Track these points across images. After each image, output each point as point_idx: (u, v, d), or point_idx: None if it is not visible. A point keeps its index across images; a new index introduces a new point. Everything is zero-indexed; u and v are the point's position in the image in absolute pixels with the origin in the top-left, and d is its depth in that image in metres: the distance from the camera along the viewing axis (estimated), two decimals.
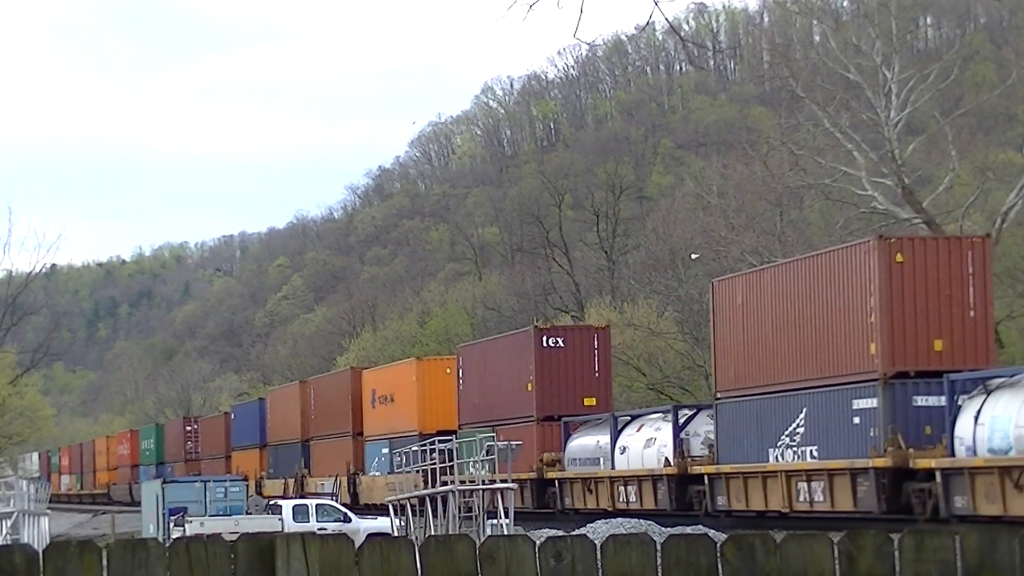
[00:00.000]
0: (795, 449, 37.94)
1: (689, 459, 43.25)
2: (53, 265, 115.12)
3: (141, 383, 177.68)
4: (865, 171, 57.36)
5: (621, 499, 46.35)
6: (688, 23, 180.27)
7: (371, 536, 10.34)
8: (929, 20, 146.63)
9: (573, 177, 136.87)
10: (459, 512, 38.73)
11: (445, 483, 40.75)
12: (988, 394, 32.46)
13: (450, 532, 35.59)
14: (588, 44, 62.74)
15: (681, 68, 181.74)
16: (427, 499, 40.86)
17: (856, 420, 35.73)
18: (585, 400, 51.55)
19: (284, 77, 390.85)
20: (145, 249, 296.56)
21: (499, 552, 6.57)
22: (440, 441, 43.94)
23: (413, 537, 24.56)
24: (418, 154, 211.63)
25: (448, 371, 59.90)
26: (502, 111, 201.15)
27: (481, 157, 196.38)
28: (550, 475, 50.38)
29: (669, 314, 74.23)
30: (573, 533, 12.29)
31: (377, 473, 64.34)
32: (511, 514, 38.05)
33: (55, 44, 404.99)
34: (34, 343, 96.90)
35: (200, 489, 50.29)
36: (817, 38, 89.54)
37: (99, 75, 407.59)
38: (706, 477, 42.06)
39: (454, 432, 53.38)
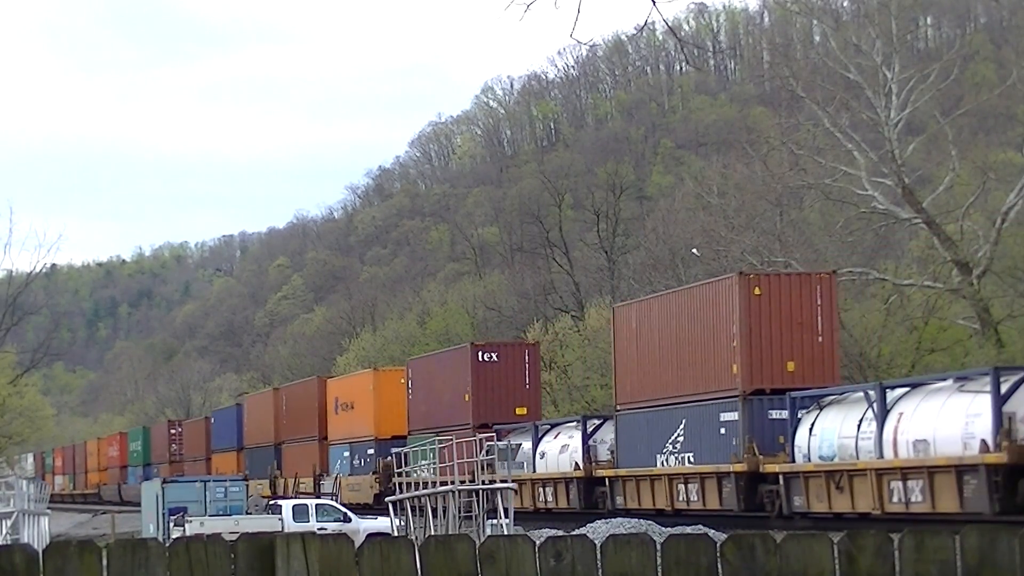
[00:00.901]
0: (676, 455, 43.63)
1: (595, 464, 48.46)
2: (53, 265, 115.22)
3: (141, 383, 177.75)
4: (865, 171, 57.38)
5: (541, 499, 51.93)
6: (688, 23, 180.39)
7: (371, 536, 10.36)
8: (929, 20, 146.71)
9: (573, 177, 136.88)
10: (459, 512, 38.75)
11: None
12: (821, 409, 38.42)
13: (450, 532, 35.61)
14: (585, 44, 62.90)
15: (681, 68, 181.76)
16: (427, 499, 40.86)
17: (722, 431, 41.39)
18: (517, 410, 56.62)
19: (284, 77, 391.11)
20: (145, 249, 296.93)
21: (499, 552, 6.57)
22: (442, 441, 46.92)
23: (413, 537, 24.57)
24: (418, 154, 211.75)
25: (401, 381, 64.41)
26: (502, 111, 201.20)
27: (481, 157, 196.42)
28: (481, 476, 52.82)
29: None
30: (573, 533, 12.29)
31: (340, 474, 68.96)
32: (511, 514, 38.08)
33: (52, 44, 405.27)
34: (34, 343, 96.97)
35: (200, 489, 50.27)
36: (817, 38, 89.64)
37: (98, 75, 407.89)
38: (607, 480, 47.66)
39: (405, 437, 60.20)
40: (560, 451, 50.71)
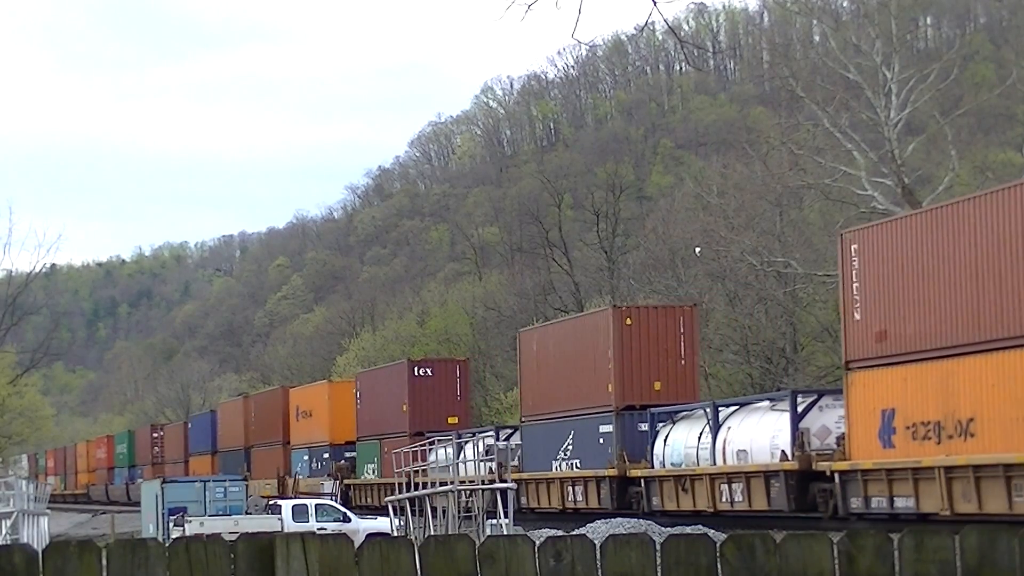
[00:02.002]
0: (567, 461, 49.61)
1: (504, 469, 52.50)
2: (53, 265, 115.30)
3: (141, 383, 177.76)
4: (865, 171, 57.36)
5: (462, 500, 56.17)
6: (688, 23, 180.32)
7: (371, 536, 10.31)
8: (929, 20, 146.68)
9: (573, 177, 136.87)
10: (459, 512, 38.81)
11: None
12: (674, 423, 45.24)
13: (450, 532, 35.62)
14: (586, 44, 63.11)
15: (681, 68, 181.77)
16: (427, 499, 40.92)
17: (600, 440, 48.00)
18: (449, 419, 62.63)
19: (284, 77, 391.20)
20: (145, 249, 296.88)
21: (499, 552, 6.57)
22: (439, 440, 48.31)
23: (413, 537, 24.59)
24: (418, 154, 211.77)
25: (352, 392, 71.21)
26: (502, 111, 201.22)
27: (481, 157, 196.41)
28: (416, 479, 58.81)
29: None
30: (573, 533, 12.29)
31: (300, 476, 75.45)
32: (511, 514, 38.16)
33: (47, 43, 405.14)
34: (34, 343, 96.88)
35: (200, 489, 50.30)
36: (817, 38, 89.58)
37: (94, 74, 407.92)
38: (520, 481, 53.04)
39: (354, 442, 69.20)
40: (478, 456, 54.63)
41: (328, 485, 69.98)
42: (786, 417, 39.56)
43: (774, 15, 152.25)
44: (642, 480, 45.78)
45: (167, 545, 6.53)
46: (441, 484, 40.37)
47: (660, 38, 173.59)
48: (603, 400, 48.28)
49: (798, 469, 38.40)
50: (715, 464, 41.95)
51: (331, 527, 46.70)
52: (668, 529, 34.59)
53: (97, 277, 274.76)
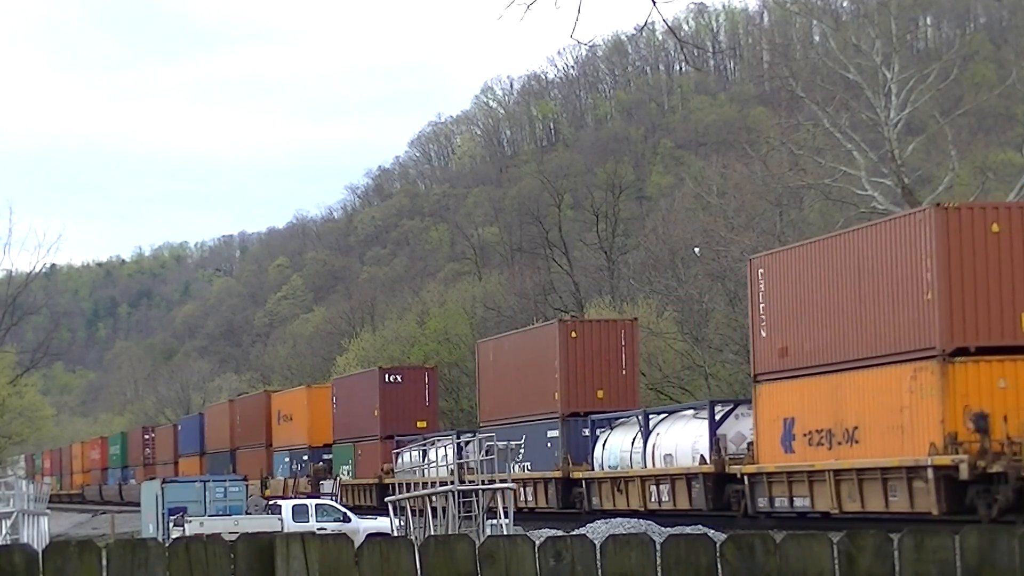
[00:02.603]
0: (520, 464, 52.28)
1: (464, 471, 55.97)
2: (53, 265, 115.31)
3: (141, 383, 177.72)
4: (865, 171, 57.35)
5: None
6: (688, 23, 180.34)
7: (371, 536, 10.31)
8: (929, 20, 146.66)
9: (573, 177, 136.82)
10: (459, 512, 38.85)
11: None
12: (612, 429, 48.93)
13: (450, 532, 35.65)
14: (585, 44, 63.18)
15: (681, 68, 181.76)
16: (427, 499, 40.97)
17: (548, 444, 51.72)
18: (418, 423, 66.04)
19: (283, 77, 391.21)
20: (145, 249, 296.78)
21: (499, 552, 6.57)
22: (436, 440, 49.12)
23: (413, 537, 24.61)
24: (418, 154, 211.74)
25: (329, 397, 75.18)
26: (502, 111, 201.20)
27: (481, 157, 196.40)
28: (386, 480, 63.88)
29: (669, 314, 74.21)
30: (573, 533, 12.29)
31: (281, 477, 78.65)
32: (511, 514, 38.20)
33: (43, 43, 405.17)
34: (34, 343, 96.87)
35: (199, 489, 50.29)
36: (817, 38, 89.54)
37: (90, 74, 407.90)
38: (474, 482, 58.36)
39: (331, 445, 73.23)
40: (442, 461, 58.76)
41: (328, 485, 70.38)
42: (706, 424, 43.64)
43: (774, 15, 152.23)
44: (583, 481, 49.93)
45: (167, 545, 6.53)
46: (441, 484, 40.67)
47: (660, 38, 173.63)
48: (551, 407, 52.62)
49: (714, 472, 42.62)
50: (645, 467, 46.10)
51: (331, 527, 46.69)
52: (668, 529, 34.66)
53: (97, 277, 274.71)
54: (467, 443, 55.70)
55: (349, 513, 51.22)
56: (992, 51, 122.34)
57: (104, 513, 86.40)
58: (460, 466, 52.93)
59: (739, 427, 43.05)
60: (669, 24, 13.19)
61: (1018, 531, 6.90)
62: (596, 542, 6.63)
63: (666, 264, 75.63)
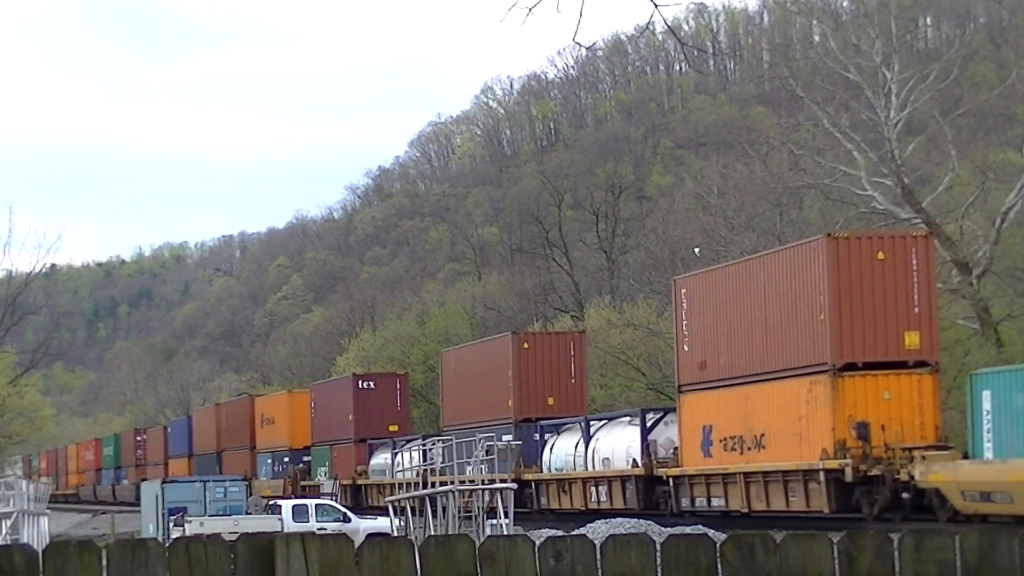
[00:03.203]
0: (479, 466, 53.98)
1: (429, 472, 60.85)
2: (53, 265, 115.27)
3: (141, 383, 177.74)
4: (865, 171, 57.32)
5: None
6: (688, 23, 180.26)
7: (371, 536, 10.31)
8: (929, 20, 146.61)
9: (573, 177, 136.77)
10: (459, 512, 38.89)
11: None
12: (559, 434, 52.76)
13: (450, 532, 35.68)
14: (586, 47, 63.24)
15: (681, 68, 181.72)
16: (427, 499, 41.00)
17: (503, 448, 53.46)
18: (390, 427, 69.86)
19: (283, 77, 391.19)
20: (145, 249, 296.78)
21: (499, 552, 6.57)
22: (438, 442, 49.67)
23: (413, 537, 24.64)
24: (418, 154, 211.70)
25: (308, 402, 79.20)
26: (502, 111, 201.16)
27: (481, 157, 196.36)
28: (359, 481, 69.74)
29: (669, 314, 74.15)
30: (573, 533, 12.30)
31: (264, 478, 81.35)
32: (511, 514, 38.24)
33: (42, 44, 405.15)
34: (34, 343, 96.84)
35: (200, 489, 50.31)
36: (817, 38, 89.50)
37: (92, 74, 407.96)
38: (435, 485, 61.88)
39: (309, 447, 77.17)
40: (409, 461, 63.74)
41: (328, 485, 70.84)
42: (639, 431, 47.20)
43: (774, 15, 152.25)
44: (533, 483, 53.79)
45: (167, 545, 6.53)
46: (441, 484, 41.20)
47: (660, 38, 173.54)
48: (505, 413, 56.75)
49: (644, 474, 46.43)
50: (587, 469, 49.61)
51: (331, 527, 46.70)
52: (668, 529, 34.77)
53: (97, 277, 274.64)
54: (432, 446, 60.10)
55: (349, 513, 51.25)
56: (992, 51, 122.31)
57: (103, 513, 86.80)
58: (426, 470, 57.83)
59: (668, 433, 46.63)
60: (669, 25, 13.19)
61: (1018, 531, 6.90)
62: (596, 542, 6.63)
63: (666, 264, 75.59)
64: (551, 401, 56.42)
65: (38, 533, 52.36)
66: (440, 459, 57.94)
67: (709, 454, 43.27)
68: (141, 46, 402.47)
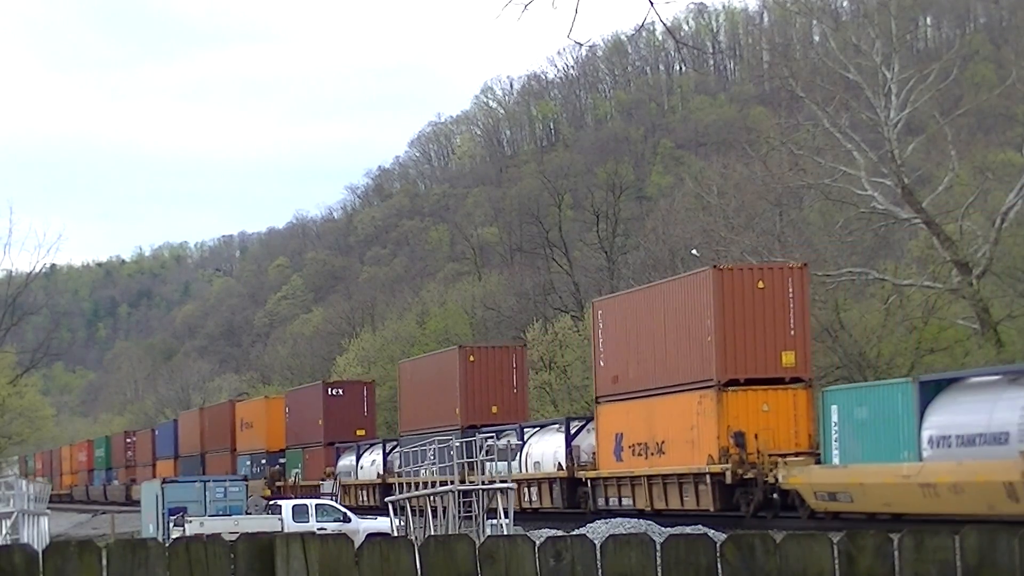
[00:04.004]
0: (430, 469, 59.94)
1: (387, 474, 66.30)
2: (53, 265, 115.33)
3: (141, 383, 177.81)
4: (865, 171, 57.32)
5: (359, 499, 70.06)
6: (688, 23, 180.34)
7: (371, 536, 10.32)
8: (929, 20, 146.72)
9: (573, 177, 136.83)
10: (459, 512, 38.95)
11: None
12: (499, 439, 52.88)
13: (450, 532, 35.71)
14: (582, 44, 63.12)
15: (681, 68, 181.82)
16: (427, 499, 41.05)
17: (452, 452, 58.07)
18: (357, 431, 75.12)
19: (283, 76, 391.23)
20: (145, 249, 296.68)
21: (499, 552, 6.57)
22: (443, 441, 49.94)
23: (413, 537, 24.64)
24: (418, 154, 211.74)
25: (283, 407, 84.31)
26: (502, 111, 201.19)
27: (481, 157, 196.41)
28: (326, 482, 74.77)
29: None
30: (573, 533, 12.30)
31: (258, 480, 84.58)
32: (511, 514, 38.30)
33: (38, 44, 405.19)
34: (34, 343, 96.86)
35: (200, 489, 50.29)
36: (817, 38, 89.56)
37: (90, 74, 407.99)
38: (395, 484, 65.19)
39: (284, 450, 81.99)
40: (371, 464, 70.65)
41: (328, 485, 71.28)
42: (564, 437, 51.90)
43: (774, 15, 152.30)
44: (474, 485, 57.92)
45: (167, 545, 6.53)
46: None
47: (660, 38, 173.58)
48: (453, 420, 61.45)
49: (567, 477, 51.07)
50: (521, 472, 52.68)
51: (331, 527, 46.70)
52: (668, 529, 34.84)
53: (97, 277, 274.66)
54: (392, 450, 67.18)
55: (349, 513, 51.26)
56: (992, 51, 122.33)
57: (103, 513, 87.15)
58: (386, 469, 65.67)
59: (590, 439, 51.15)
60: (668, 26, 13.19)
61: (1018, 531, 6.90)
62: (596, 542, 6.63)
63: (666, 264, 75.59)
64: (495, 410, 61.20)
65: (38, 533, 52.37)
66: (398, 463, 65.27)
67: (621, 459, 48.33)
68: (138, 46, 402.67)
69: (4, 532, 48.89)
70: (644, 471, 46.08)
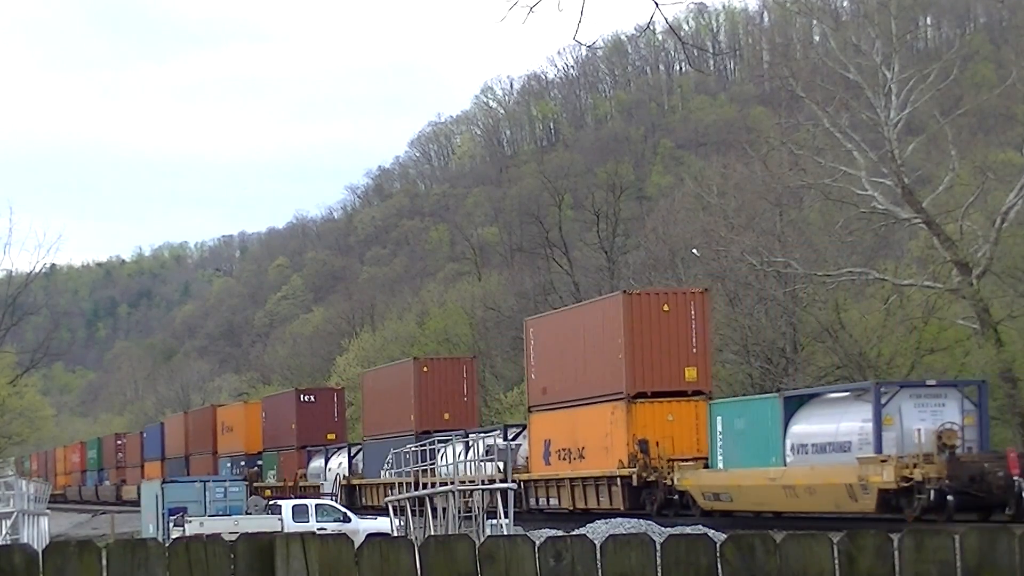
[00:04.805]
0: (388, 471, 60.91)
1: (352, 475, 73.23)
2: (53, 265, 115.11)
3: (141, 383, 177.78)
4: (865, 171, 57.27)
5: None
6: (688, 23, 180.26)
7: (371, 536, 10.28)
8: (929, 20, 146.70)
9: (573, 177, 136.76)
10: (459, 512, 38.95)
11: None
12: (448, 444, 56.64)
13: (450, 532, 35.71)
14: (588, 46, 63.28)
15: (681, 68, 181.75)
16: (427, 499, 41.04)
17: (406, 456, 64.99)
18: (328, 435, 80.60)
19: (283, 76, 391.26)
20: (145, 249, 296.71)
21: (499, 552, 6.57)
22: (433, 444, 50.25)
23: (413, 537, 24.63)
24: (418, 154, 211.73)
25: (260, 412, 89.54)
26: (502, 111, 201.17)
27: (481, 157, 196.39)
28: (300, 483, 77.33)
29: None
30: (573, 533, 12.29)
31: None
32: (511, 514, 38.29)
33: (35, 44, 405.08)
34: (34, 343, 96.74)
35: (199, 489, 50.31)
36: (817, 38, 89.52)
37: (88, 74, 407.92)
38: (358, 486, 72.38)
39: (260, 453, 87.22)
40: (338, 467, 75.68)
41: (328, 485, 71.57)
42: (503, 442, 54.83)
43: (774, 15, 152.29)
44: (427, 485, 61.99)
45: (167, 545, 6.53)
46: (441, 484, 41.97)
47: (660, 38, 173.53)
48: (409, 426, 66.31)
49: (500, 478, 53.55)
50: (467, 474, 55.49)
51: (331, 527, 46.70)
52: (668, 529, 34.93)
53: (97, 277, 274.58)
54: (356, 453, 73.68)
55: (349, 513, 51.26)
56: (992, 51, 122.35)
57: (103, 513, 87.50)
58: (350, 470, 72.08)
59: (526, 444, 55.23)
60: (671, 25, 13.17)
61: (1018, 531, 6.90)
62: (596, 542, 6.63)
63: (666, 264, 75.58)
64: (447, 416, 65.88)
65: (38, 533, 52.35)
66: (361, 465, 71.95)
67: (549, 463, 52.93)
68: (134, 45, 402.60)
69: (4, 532, 48.88)
70: (568, 474, 50.92)
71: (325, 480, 74.97)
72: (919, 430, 37.50)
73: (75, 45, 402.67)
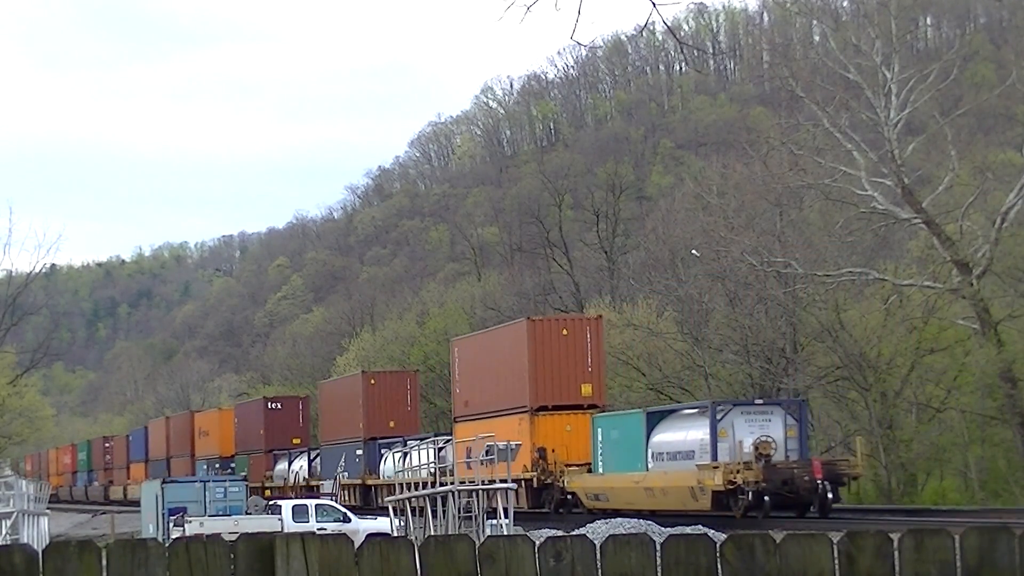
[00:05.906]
0: (342, 473, 70.25)
1: (311, 477, 78.65)
2: (53, 265, 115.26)
3: (140, 383, 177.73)
4: (865, 171, 57.26)
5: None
6: (688, 23, 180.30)
7: (371, 536, 10.25)
8: (929, 20, 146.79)
9: (573, 177, 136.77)
10: (459, 512, 38.95)
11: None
12: (391, 450, 62.61)
13: (450, 532, 35.73)
14: (585, 46, 63.63)
15: (681, 68, 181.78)
16: (427, 499, 41.03)
17: (357, 460, 72.14)
18: (293, 440, 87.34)
19: (284, 77, 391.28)
20: (145, 249, 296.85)
21: (499, 552, 6.57)
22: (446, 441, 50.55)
23: (413, 537, 24.68)
24: (418, 154, 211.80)
25: (233, 418, 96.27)
26: (502, 111, 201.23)
27: (481, 157, 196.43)
28: (267, 484, 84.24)
29: (668, 314, 74.16)
30: (573, 533, 12.29)
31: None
32: (511, 514, 38.30)
33: (31, 44, 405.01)
34: (34, 343, 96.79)
35: (199, 489, 50.30)
36: (817, 38, 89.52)
37: (87, 74, 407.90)
38: (316, 487, 76.41)
39: (233, 456, 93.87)
40: (299, 468, 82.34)
41: (328, 485, 71.68)
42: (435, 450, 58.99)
43: (774, 15, 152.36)
44: (373, 487, 69.01)
45: (167, 545, 6.53)
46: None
47: (660, 38, 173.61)
48: (358, 433, 73.12)
49: (432, 482, 58.11)
50: (404, 477, 60.63)
51: (331, 527, 46.69)
52: (668, 529, 34.96)
53: (97, 277, 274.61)
54: (315, 457, 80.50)
55: (349, 513, 51.24)
56: (992, 51, 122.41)
57: (102, 513, 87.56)
58: (310, 473, 78.41)
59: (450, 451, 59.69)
60: (669, 25, 13.17)
61: (1018, 531, 6.90)
62: (596, 542, 6.63)
63: (666, 264, 75.55)
64: (392, 424, 72.19)
65: (38, 533, 52.36)
66: (320, 468, 78.05)
67: (470, 468, 57.60)
68: (131, 45, 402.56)
69: (4, 532, 48.88)
70: (488, 477, 54.18)
71: (284, 481, 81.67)
72: (740, 442, 43.77)
73: (72, 45, 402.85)
